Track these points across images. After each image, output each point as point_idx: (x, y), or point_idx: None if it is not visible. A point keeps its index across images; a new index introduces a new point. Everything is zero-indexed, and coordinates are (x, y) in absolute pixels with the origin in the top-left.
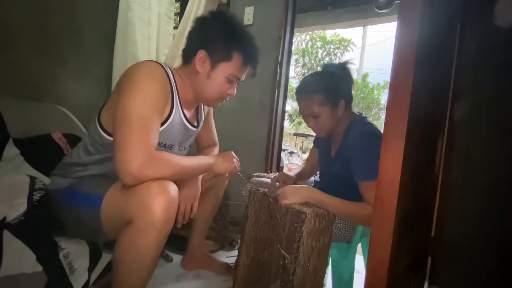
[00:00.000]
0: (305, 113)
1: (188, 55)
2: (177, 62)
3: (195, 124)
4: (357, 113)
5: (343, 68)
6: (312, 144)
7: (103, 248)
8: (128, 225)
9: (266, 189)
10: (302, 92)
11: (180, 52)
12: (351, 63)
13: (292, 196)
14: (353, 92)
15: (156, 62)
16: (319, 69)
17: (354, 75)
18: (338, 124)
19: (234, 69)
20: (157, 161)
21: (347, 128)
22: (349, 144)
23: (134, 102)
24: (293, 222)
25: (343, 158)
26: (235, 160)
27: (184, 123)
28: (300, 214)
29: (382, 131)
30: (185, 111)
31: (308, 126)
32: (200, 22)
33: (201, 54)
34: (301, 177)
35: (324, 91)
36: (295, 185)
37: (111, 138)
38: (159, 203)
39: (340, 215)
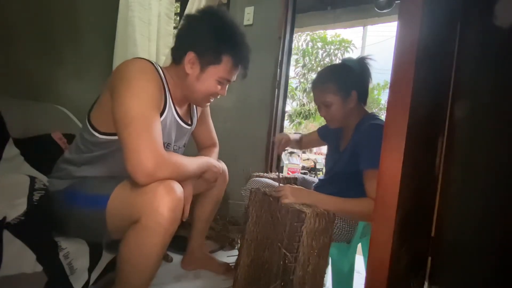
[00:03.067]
0: (318, 102)
1: (177, 56)
2: None
3: (189, 122)
4: (369, 112)
5: (360, 63)
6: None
7: (105, 248)
8: (134, 225)
9: (267, 189)
10: (316, 82)
11: None
12: (370, 58)
13: (293, 196)
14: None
15: (145, 59)
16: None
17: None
18: (350, 118)
19: (224, 72)
20: (169, 162)
21: (358, 123)
22: (359, 137)
23: (135, 102)
24: (294, 221)
25: (352, 152)
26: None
27: (177, 121)
28: (300, 214)
29: None
30: (177, 109)
31: (321, 115)
32: (189, 21)
33: (190, 56)
34: (293, 143)
35: (336, 81)
36: (296, 186)
37: (102, 137)
38: (166, 203)
39: (342, 213)
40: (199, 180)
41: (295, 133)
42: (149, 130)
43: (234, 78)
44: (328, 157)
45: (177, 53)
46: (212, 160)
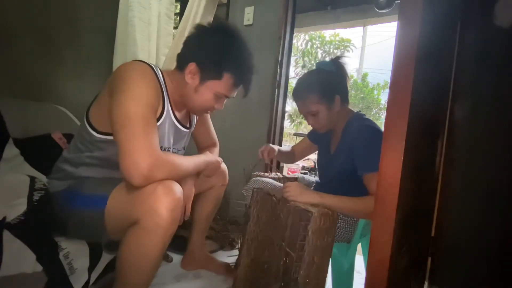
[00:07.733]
0: (304, 112)
1: (181, 62)
2: None
3: (187, 125)
4: (355, 111)
5: (335, 64)
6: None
7: (105, 248)
8: (134, 226)
9: (269, 187)
10: (298, 93)
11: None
12: (344, 56)
13: (300, 195)
14: (350, 88)
15: (145, 62)
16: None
17: (353, 72)
18: (337, 121)
19: (223, 88)
20: (165, 162)
21: (346, 124)
22: (349, 139)
23: (132, 103)
24: (297, 221)
25: (343, 153)
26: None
27: (176, 124)
28: (305, 213)
29: (382, 129)
30: (176, 112)
31: (308, 124)
32: (199, 31)
33: (192, 66)
34: (282, 155)
35: (319, 89)
36: (303, 185)
37: (100, 136)
38: (165, 204)
39: (346, 212)
40: (200, 178)
41: (284, 145)
42: (145, 131)
43: (233, 95)
44: (320, 159)
45: (181, 61)
46: (208, 157)
